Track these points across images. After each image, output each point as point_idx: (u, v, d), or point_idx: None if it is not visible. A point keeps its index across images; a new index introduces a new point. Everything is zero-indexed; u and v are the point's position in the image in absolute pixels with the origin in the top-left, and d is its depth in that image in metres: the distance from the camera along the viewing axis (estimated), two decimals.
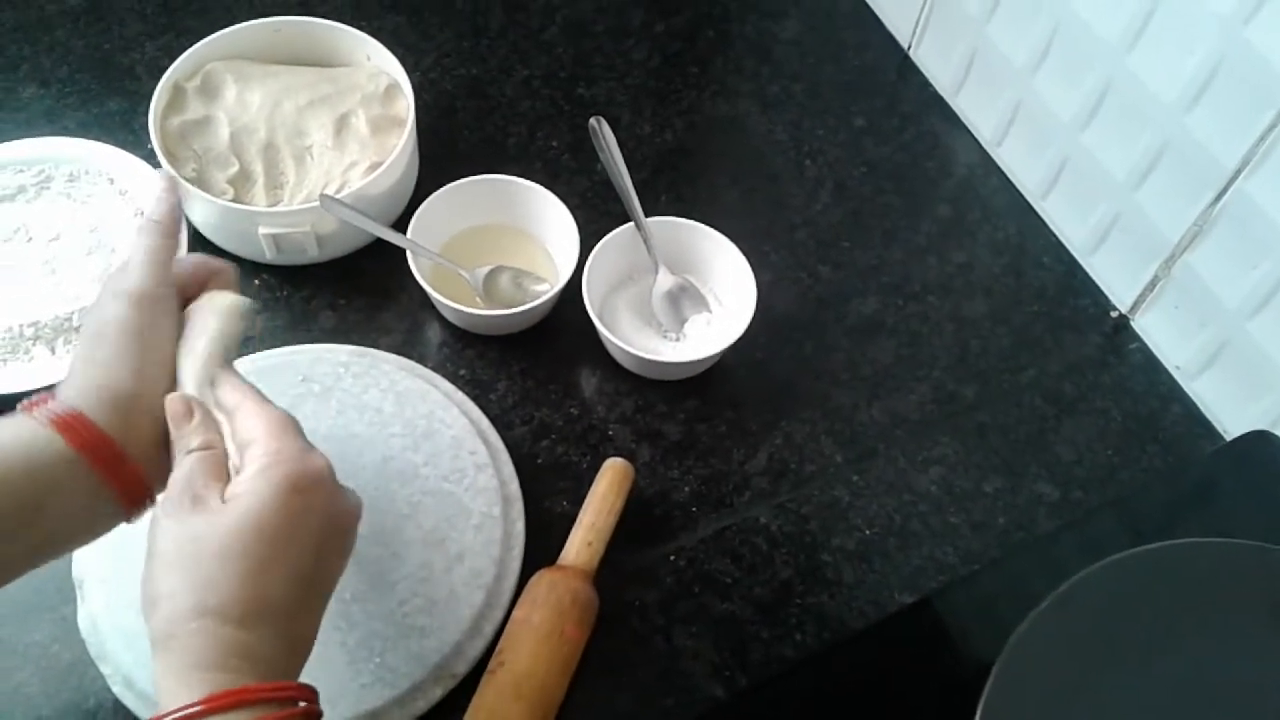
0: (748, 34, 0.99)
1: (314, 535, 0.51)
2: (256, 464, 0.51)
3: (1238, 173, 0.71)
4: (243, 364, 0.74)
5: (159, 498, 0.53)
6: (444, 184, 0.80)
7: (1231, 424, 0.79)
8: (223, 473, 0.52)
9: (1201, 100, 0.71)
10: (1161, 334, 0.82)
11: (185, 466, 0.52)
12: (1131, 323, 0.84)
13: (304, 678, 0.62)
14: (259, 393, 0.54)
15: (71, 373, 0.54)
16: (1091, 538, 0.72)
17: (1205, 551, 0.62)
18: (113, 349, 0.54)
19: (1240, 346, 0.75)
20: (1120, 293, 0.84)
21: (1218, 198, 0.73)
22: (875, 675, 0.68)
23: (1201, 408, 0.80)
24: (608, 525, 0.69)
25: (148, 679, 0.62)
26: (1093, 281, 0.86)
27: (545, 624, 0.65)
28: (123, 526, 0.66)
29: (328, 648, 0.63)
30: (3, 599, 0.67)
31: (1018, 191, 0.90)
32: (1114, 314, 0.85)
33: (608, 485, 0.70)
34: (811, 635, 0.70)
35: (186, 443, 0.53)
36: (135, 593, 0.64)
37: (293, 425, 0.53)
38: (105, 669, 0.63)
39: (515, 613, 0.66)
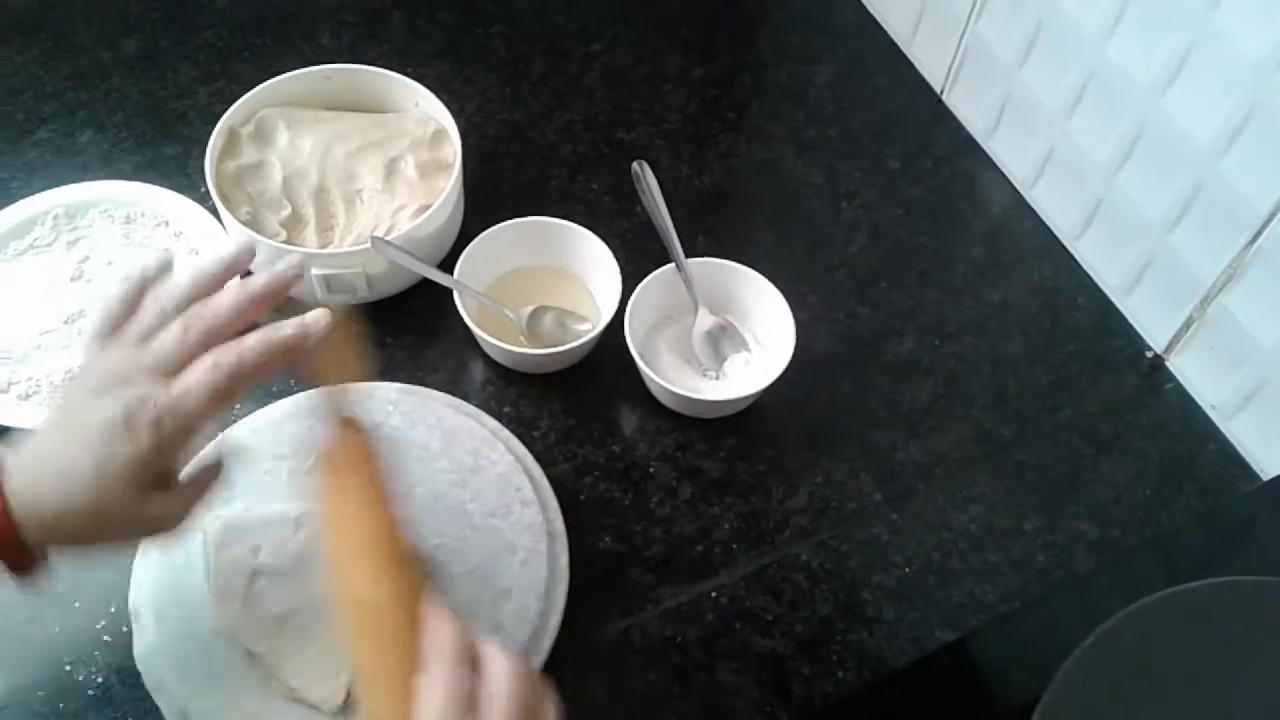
0: (783, 79, 1.01)
1: None
2: None
3: (1272, 215, 0.72)
4: (298, 400, 0.75)
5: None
6: (488, 225, 0.82)
7: (1268, 463, 0.79)
8: None
9: (1235, 144, 0.72)
10: (1197, 374, 0.83)
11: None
12: (1167, 363, 0.85)
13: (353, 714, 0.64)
14: None
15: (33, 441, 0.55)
16: (1130, 577, 0.73)
17: (1247, 589, 0.62)
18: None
19: (1276, 387, 0.76)
20: (1155, 333, 0.85)
21: (1252, 240, 0.74)
22: (917, 713, 0.68)
23: (1238, 447, 0.81)
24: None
25: (202, 710, 0.64)
26: (1128, 322, 0.87)
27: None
28: (176, 561, 0.69)
29: None
30: (61, 633, 0.69)
31: (1052, 233, 0.91)
32: (1149, 354, 0.85)
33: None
34: (852, 672, 0.71)
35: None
36: (189, 625, 0.66)
37: None
38: (161, 701, 0.65)
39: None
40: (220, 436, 0.70)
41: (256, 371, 0.56)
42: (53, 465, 0.54)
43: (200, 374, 0.55)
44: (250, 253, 0.61)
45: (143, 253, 0.83)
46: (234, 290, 0.58)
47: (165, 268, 0.60)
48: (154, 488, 0.56)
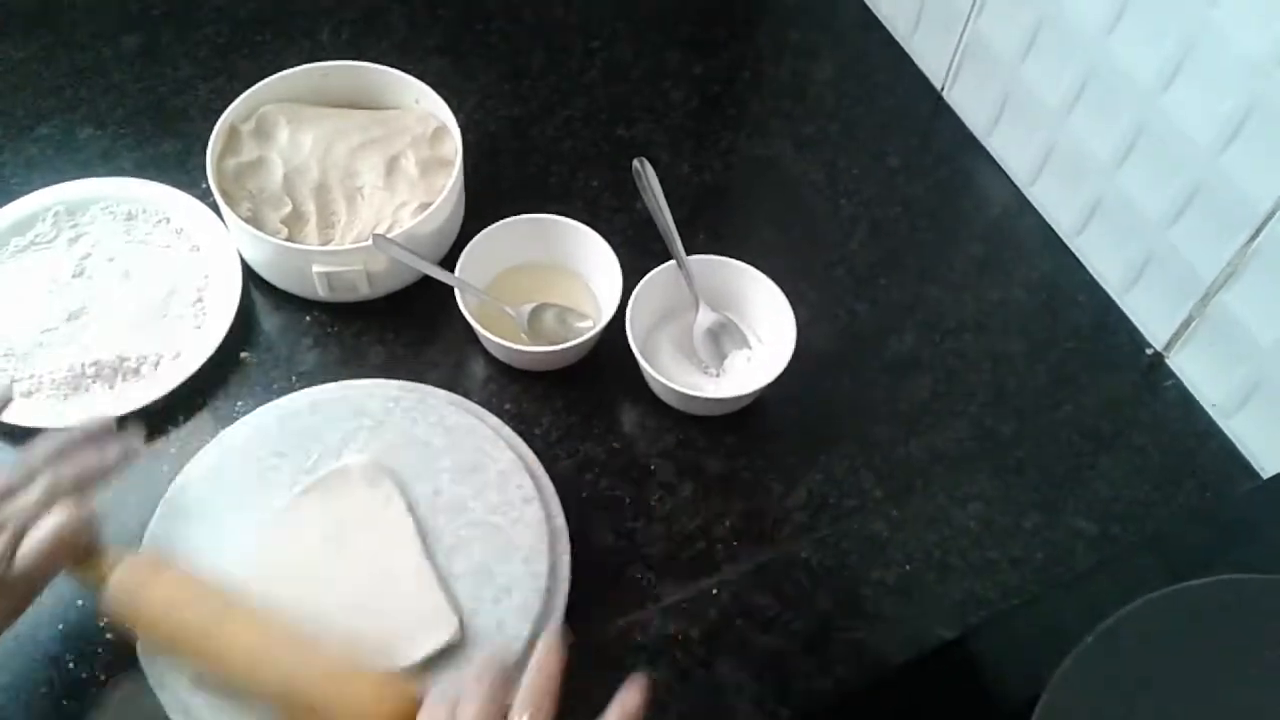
0: (783, 75, 1.01)
1: None
2: None
3: (1272, 213, 0.72)
4: (299, 398, 0.75)
5: None
6: (488, 222, 0.82)
7: (1268, 461, 0.80)
8: None
9: (1235, 141, 0.72)
10: (1197, 371, 0.83)
11: None
12: (1167, 360, 0.85)
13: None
14: None
15: None
16: (1129, 574, 0.73)
17: (1248, 587, 0.62)
18: None
19: (1276, 384, 0.76)
20: (1155, 330, 0.85)
21: (1252, 238, 0.74)
22: (916, 710, 0.68)
23: (1238, 445, 0.81)
24: None
25: (204, 706, 0.64)
26: (1127, 319, 0.87)
27: None
28: (192, 561, 0.68)
29: None
30: (65, 631, 0.69)
31: (1052, 230, 0.91)
32: (1149, 351, 0.85)
33: None
34: (852, 669, 0.71)
35: None
36: None
37: None
38: (164, 697, 0.65)
39: None
40: None
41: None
42: None
43: (46, 533, 0.59)
44: (106, 429, 0.65)
45: (144, 249, 0.83)
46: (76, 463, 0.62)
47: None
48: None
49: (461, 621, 0.66)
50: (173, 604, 0.62)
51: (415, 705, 0.57)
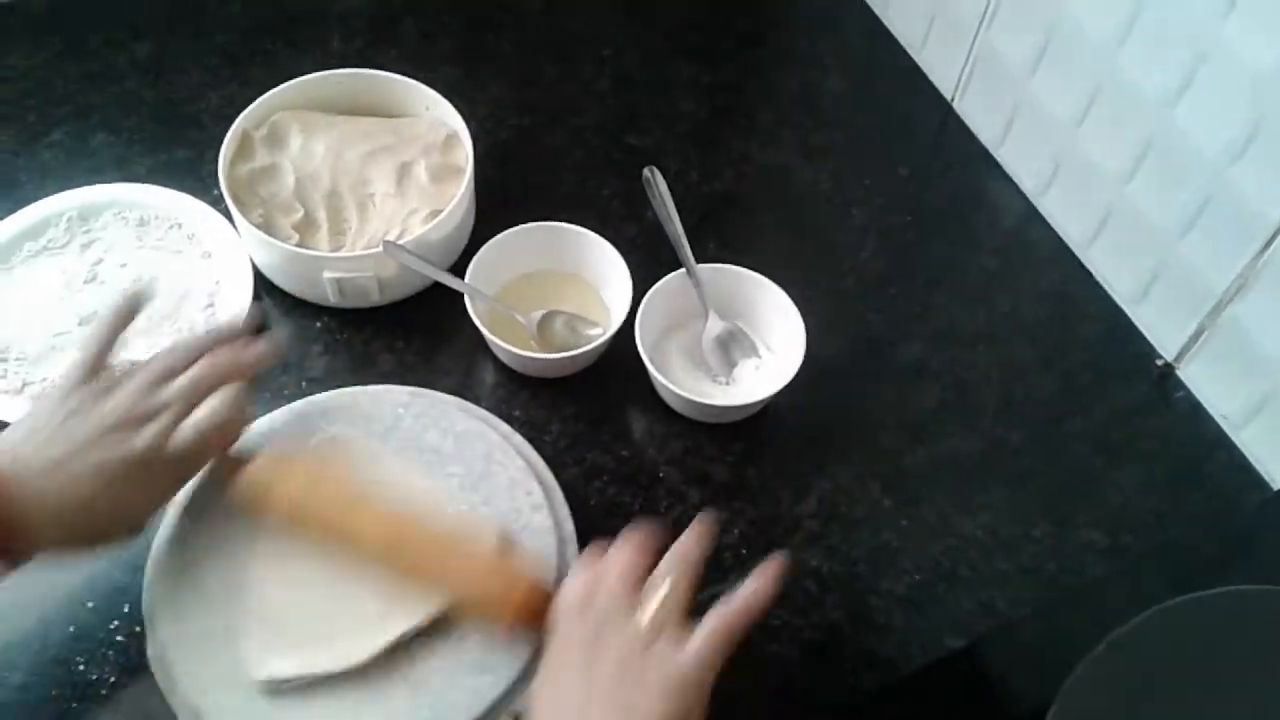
0: (793, 85, 1.01)
1: None
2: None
3: None
4: (309, 403, 0.75)
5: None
6: (499, 230, 0.82)
7: (1278, 473, 0.79)
8: None
9: (1245, 154, 0.73)
10: (1207, 383, 0.83)
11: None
12: (1177, 371, 0.85)
13: (366, 712, 0.64)
14: None
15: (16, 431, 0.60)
16: (1140, 585, 0.73)
17: (1258, 599, 0.62)
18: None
19: None
20: (1166, 342, 0.85)
21: (1263, 250, 0.74)
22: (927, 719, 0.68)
23: (1248, 456, 0.81)
24: None
25: (215, 711, 0.64)
26: (1138, 330, 0.87)
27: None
28: (188, 561, 0.69)
29: (391, 682, 0.64)
30: (74, 634, 0.69)
31: (1062, 241, 0.91)
32: (1159, 363, 0.85)
33: None
34: (861, 678, 0.71)
35: None
36: (202, 627, 0.66)
37: None
38: (174, 702, 0.65)
39: None
40: None
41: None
42: (64, 499, 0.59)
43: (204, 415, 0.64)
44: (239, 326, 0.69)
45: (156, 255, 0.84)
46: (229, 352, 0.66)
47: (136, 304, 0.66)
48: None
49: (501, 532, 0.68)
50: (308, 495, 0.66)
51: (541, 589, 0.63)
